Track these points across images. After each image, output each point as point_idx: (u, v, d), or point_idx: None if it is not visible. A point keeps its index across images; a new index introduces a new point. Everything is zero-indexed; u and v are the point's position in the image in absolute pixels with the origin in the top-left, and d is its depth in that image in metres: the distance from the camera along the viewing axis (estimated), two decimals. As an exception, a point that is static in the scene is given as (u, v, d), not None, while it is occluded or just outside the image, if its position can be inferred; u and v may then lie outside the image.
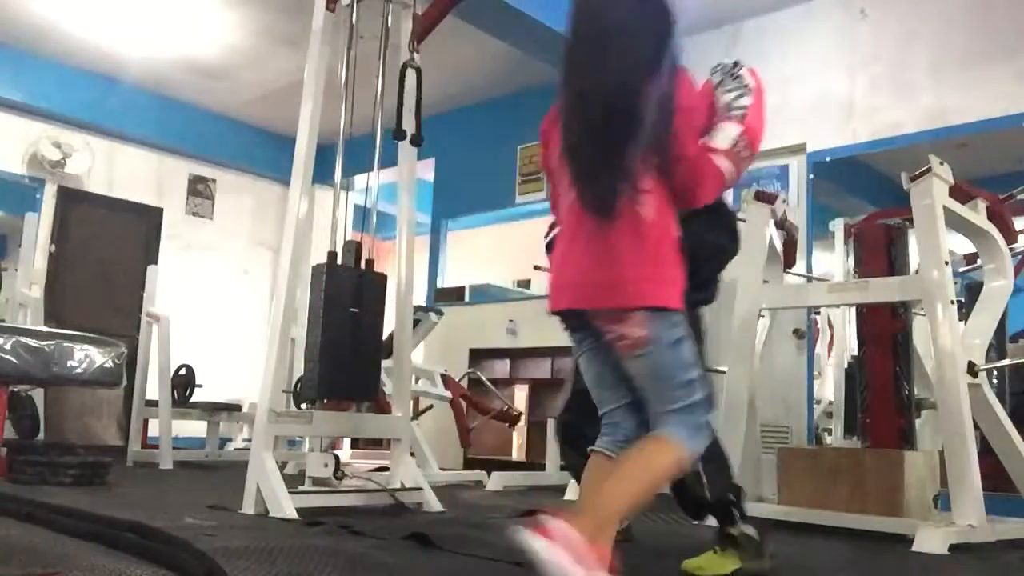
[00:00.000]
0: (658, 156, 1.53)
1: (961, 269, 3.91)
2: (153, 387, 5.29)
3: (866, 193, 5.01)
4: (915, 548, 2.73)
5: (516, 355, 6.21)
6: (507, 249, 7.52)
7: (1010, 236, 3.41)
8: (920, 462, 3.21)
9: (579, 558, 1.34)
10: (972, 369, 2.98)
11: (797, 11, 5.08)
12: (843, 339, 4.67)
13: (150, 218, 7.17)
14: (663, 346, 1.52)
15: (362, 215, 3.71)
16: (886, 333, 3.55)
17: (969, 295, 3.70)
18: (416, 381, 5.00)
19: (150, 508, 3.01)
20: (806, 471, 3.37)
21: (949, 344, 2.95)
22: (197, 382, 5.99)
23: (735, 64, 1.70)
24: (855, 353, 4.05)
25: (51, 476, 3.70)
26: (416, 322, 4.64)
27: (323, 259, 3.32)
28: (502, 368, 6.32)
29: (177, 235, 7.33)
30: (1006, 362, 3.80)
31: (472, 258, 7.66)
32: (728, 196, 5.28)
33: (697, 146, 1.59)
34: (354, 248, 3.45)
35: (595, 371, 1.67)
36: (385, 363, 3.67)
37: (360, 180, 5.98)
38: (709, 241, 2.33)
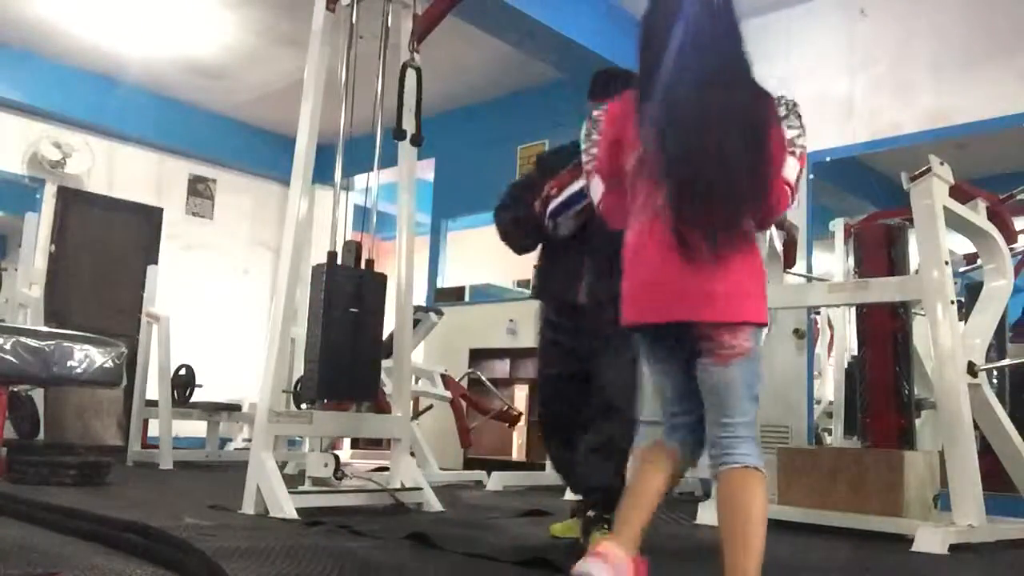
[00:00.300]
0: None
1: (961, 269, 3.91)
2: (153, 387, 5.30)
3: (866, 193, 5.01)
4: (915, 548, 2.73)
5: (516, 355, 6.21)
6: (507, 249, 7.49)
7: (1010, 236, 3.41)
8: (920, 462, 3.21)
9: None
10: (972, 369, 2.98)
11: (797, 11, 5.08)
12: (843, 339, 4.67)
13: (150, 218, 7.16)
14: (754, 358, 1.60)
15: (362, 215, 3.71)
16: (886, 333, 3.55)
17: (969, 295, 3.70)
18: (416, 381, 5.00)
19: (150, 508, 3.01)
20: (806, 471, 3.37)
21: (949, 344, 2.95)
22: (197, 382, 5.99)
23: (795, 103, 1.76)
24: (855, 353, 4.05)
25: (51, 476, 3.70)
26: (416, 322, 4.64)
27: (323, 259, 3.32)
28: (502, 368, 6.32)
29: (177, 235, 7.32)
30: (1006, 362, 3.80)
31: (472, 258, 7.65)
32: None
33: (782, 178, 1.66)
34: (354, 248, 3.45)
35: (664, 381, 1.71)
36: (385, 363, 3.67)
37: (360, 180, 5.97)
38: None
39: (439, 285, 6.91)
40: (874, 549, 2.82)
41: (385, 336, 3.59)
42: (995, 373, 3.82)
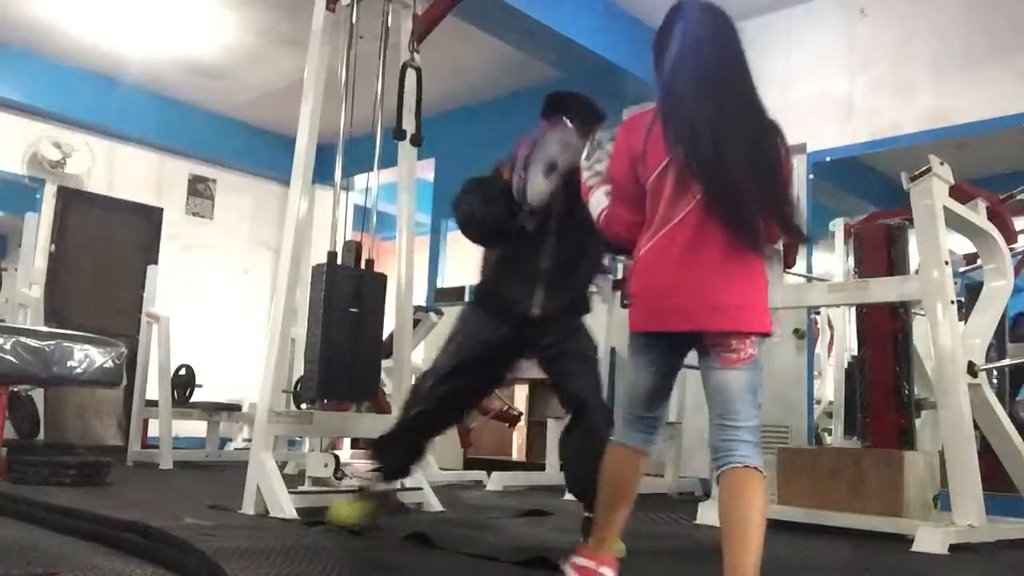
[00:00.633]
0: None
1: (961, 269, 3.91)
2: (153, 387, 5.29)
3: (866, 193, 5.00)
4: (915, 548, 2.73)
5: (516, 355, 6.19)
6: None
7: (1010, 236, 3.41)
8: (920, 462, 3.21)
9: None
10: (972, 369, 2.98)
11: (797, 11, 5.08)
12: (843, 339, 4.67)
13: (150, 218, 7.16)
14: (759, 366, 1.68)
15: (362, 215, 3.71)
16: (886, 333, 3.55)
17: (969, 295, 3.70)
18: (416, 381, 5.00)
19: (150, 508, 3.01)
20: (806, 471, 3.37)
21: (949, 344, 2.95)
22: (197, 382, 5.99)
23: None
24: (855, 353, 4.05)
25: (51, 476, 3.70)
26: (416, 322, 4.64)
27: (323, 259, 3.32)
28: (502, 368, 6.30)
29: (177, 235, 7.32)
30: (1006, 362, 3.80)
31: (472, 258, 7.64)
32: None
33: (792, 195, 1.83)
34: (354, 248, 3.45)
35: (651, 388, 1.78)
36: (385, 363, 3.67)
37: (360, 180, 5.95)
38: None
39: (439, 285, 6.90)
40: (874, 549, 2.82)
41: (385, 336, 3.59)
42: (995, 373, 3.82)
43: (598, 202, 1.90)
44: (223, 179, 7.76)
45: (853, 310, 4.06)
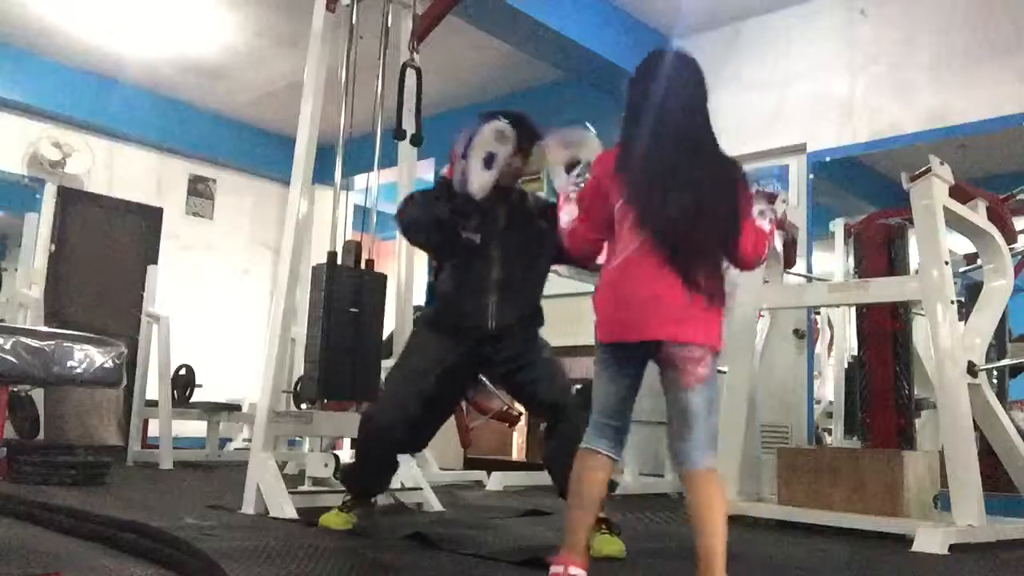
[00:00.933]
0: None
1: (961, 269, 3.91)
2: (153, 387, 5.29)
3: (866, 193, 5.01)
4: (915, 548, 2.73)
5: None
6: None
7: (1010, 236, 3.41)
8: (920, 462, 3.21)
9: None
10: (972, 369, 2.98)
11: (797, 11, 5.08)
12: (843, 339, 4.67)
13: (150, 218, 7.16)
14: (714, 381, 1.84)
15: (362, 215, 3.71)
16: (886, 333, 3.55)
17: (969, 295, 3.70)
18: (416, 381, 4.99)
19: (150, 508, 3.01)
20: (806, 471, 3.37)
21: (949, 344, 2.95)
22: (197, 382, 5.99)
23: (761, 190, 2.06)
24: (855, 353, 4.05)
25: (51, 476, 3.70)
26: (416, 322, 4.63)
27: (323, 259, 3.32)
28: (502, 368, 6.30)
29: (177, 235, 7.32)
30: (1006, 362, 3.80)
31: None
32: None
33: (753, 229, 1.97)
34: (354, 248, 3.45)
35: (620, 396, 1.89)
36: (385, 363, 3.67)
37: (360, 180, 5.96)
38: None
39: (439, 285, 6.89)
40: (874, 549, 2.82)
41: (385, 336, 3.59)
42: (995, 373, 3.82)
43: (568, 213, 2.07)
44: (223, 179, 7.76)
45: (853, 310, 4.05)
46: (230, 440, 6.85)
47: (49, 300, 6.02)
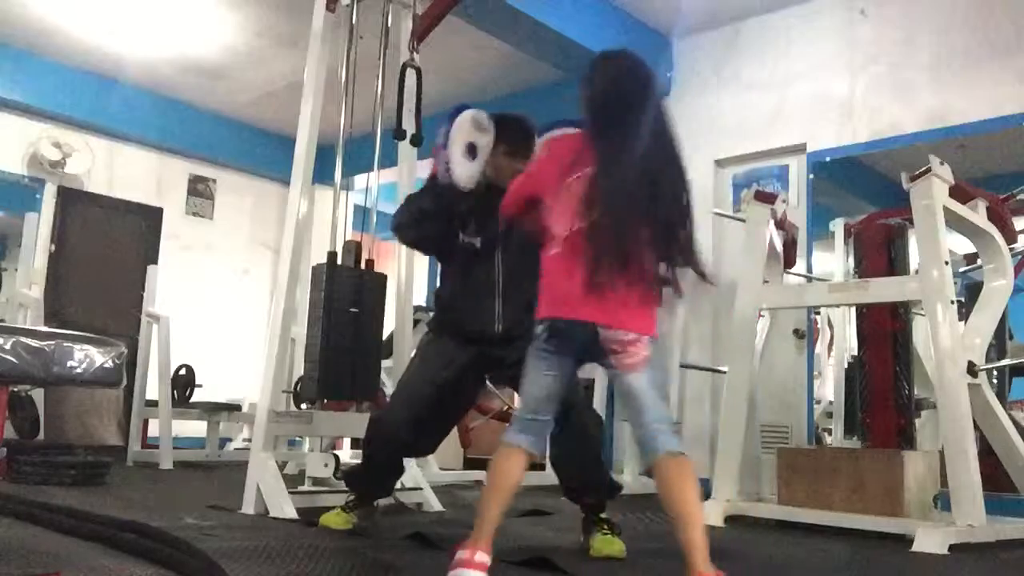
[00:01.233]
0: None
1: (961, 269, 3.91)
2: (153, 387, 5.29)
3: (866, 193, 5.01)
4: (915, 548, 2.73)
5: (516, 355, 6.18)
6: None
7: (1010, 236, 3.41)
8: (920, 462, 3.21)
9: None
10: (972, 369, 2.98)
11: (797, 11, 5.08)
12: (843, 339, 4.67)
13: (150, 218, 7.16)
14: (656, 365, 1.88)
15: (362, 215, 3.71)
16: (886, 333, 3.55)
17: (969, 295, 3.70)
18: (416, 381, 4.98)
19: (150, 508, 3.01)
20: (806, 471, 3.37)
21: (949, 344, 2.95)
22: (197, 382, 5.99)
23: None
24: (855, 353, 4.05)
25: (51, 476, 3.70)
26: (416, 322, 4.63)
27: (323, 259, 3.32)
28: (502, 368, 6.30)
29: (177, 235, 7.32)
30: (1006, 362, 3.80)
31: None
32: (728, 196, 5.29)
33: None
34: (354, 248, 3.45)
35: (551, 389, 1.91)
36: (385, 363, 3.67)
37: (360, 180, 5.97)
38: None
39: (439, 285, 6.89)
40: (874, 549, 2.82)
41: (385, 336, 3.59)
42: (995, 373, 3.82)
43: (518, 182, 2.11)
44: (223, 179, 7.76)
45: (853, 310, 4.06)
46: (230, 440, 6.85)
47: (49, 300, 6.03)
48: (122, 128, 6.94)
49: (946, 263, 2.99)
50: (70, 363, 3.76)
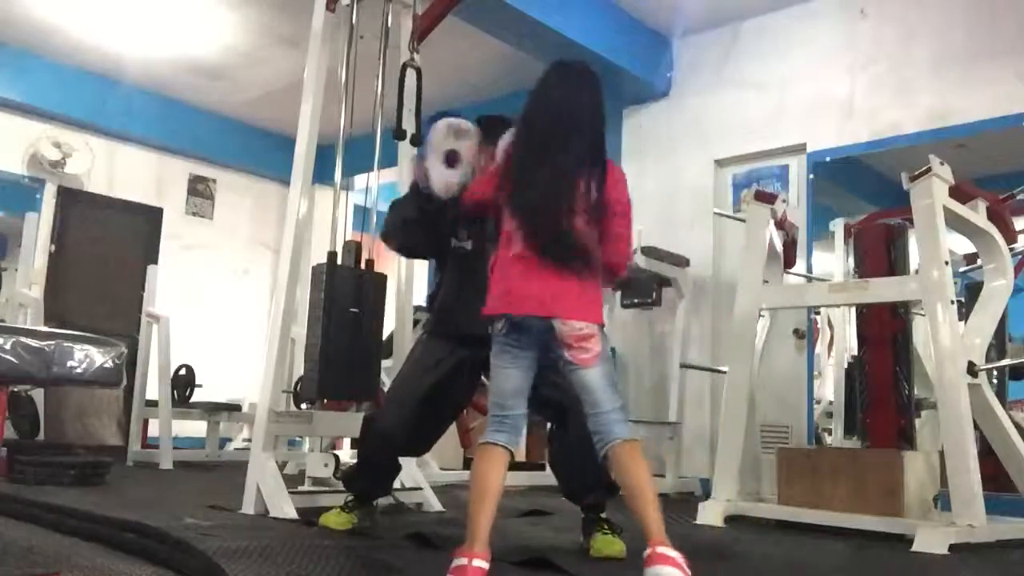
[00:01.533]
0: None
1: (961, 269, 3.91)
2: (153, 387, 5.29)
3: (866, 193, 5.01)
4: (915, 548, 2.73)
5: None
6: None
7: (1010, 236, 3.40)
8: (920, 462, 3.21)
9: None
10: (972, 369, 2.98)
11: (797, 11, 5.08)
12: (843, 339, 4.67)
13: (150, 218, 7.16)
14: (607, 357, 1.99)
15: (362, 215, 3.71)
16: (886, 333, 3.55)
17: (969, 295, 3.70)
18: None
19: (150, 508, 3.01)
20: (806, 471, 3.37)
21: (949, 344, 2.95)
22: (197, 382, 5.99)
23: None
24: (855, 353, 4.05)
25: (51, 476, 3.70)
26: (416, 322, 4.63)
27: (323, 259, 3.32)
28: (502, 368, 6.30)
29: (177, 235, 7.32)
30: (1006, 362, 3.80)
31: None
32: (728, 196, 5.29)
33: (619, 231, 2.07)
34: (354, 248, 3.44)
35: (518, 382, 2.01)
36: (385, 363, 3.67)
37: (360, 180, 5.97)
38: None
39: (439, 285, 6.89)
40: (874, 549, 2.82)
41: (385, 336, 3.59)
42: (995, 373, 3.82)
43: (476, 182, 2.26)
44: (223, 179, 7.77)
45: (853, 310, 4.06)
46: (230, 440, 6.86)
47: (49, 300, 6.03)
48: (122, 128, 6.95)
49: (946, 263, 2.99)
50: (70, 363, 3.78)
